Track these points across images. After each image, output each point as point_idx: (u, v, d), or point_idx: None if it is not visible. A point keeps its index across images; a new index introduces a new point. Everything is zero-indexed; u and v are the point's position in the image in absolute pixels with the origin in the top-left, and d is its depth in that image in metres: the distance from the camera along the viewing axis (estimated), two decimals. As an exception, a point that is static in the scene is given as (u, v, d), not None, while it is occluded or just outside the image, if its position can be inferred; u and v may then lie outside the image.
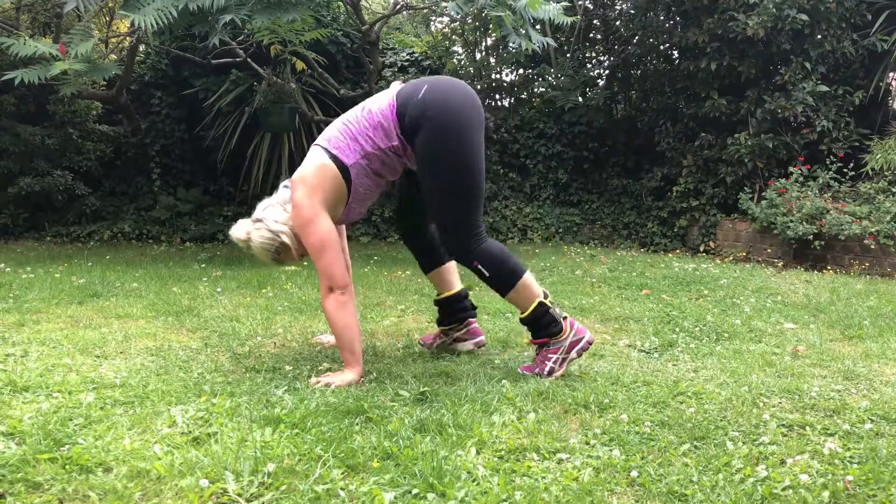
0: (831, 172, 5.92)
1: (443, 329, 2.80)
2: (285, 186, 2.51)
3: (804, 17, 5.88)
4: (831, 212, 5.57)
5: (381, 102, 2.44)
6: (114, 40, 7.07)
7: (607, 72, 8.13)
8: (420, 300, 3.80)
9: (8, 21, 6.38)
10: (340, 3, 7.25)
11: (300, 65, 6.49)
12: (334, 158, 2.39)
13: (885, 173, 5.70)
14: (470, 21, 7.81)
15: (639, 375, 2.48)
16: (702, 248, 6.62)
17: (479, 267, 2.42)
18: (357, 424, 1.92)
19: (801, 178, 5.92)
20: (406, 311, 3.56)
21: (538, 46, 4.98)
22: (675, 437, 1.90)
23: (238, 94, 6.92)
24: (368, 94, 6.45)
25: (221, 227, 6.89)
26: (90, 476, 1.57)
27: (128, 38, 6.41)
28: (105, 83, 6.82)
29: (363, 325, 3.12)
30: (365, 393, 2.20)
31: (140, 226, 7.02)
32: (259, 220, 2.46)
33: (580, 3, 7.70)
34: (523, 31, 5.01)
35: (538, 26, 6.09)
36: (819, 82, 6.01)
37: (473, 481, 1.62)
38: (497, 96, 8.31)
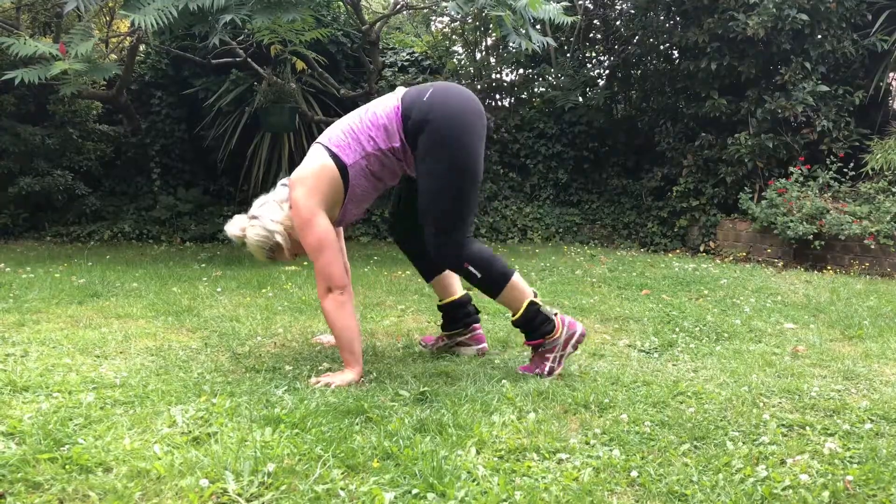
0: (831, 172, 5.92)
1: (447, 334, 2.80)
2: (283, 185, 2.51)
3: (804, 17, 5.88)
4: (831, 212, 5.57)
5: (385, 104, 2.45)
6: (114, 40, 7.07)
7: (607, 72, 8.13)
8: (420, 300, 3.80)
9: (8, 21, 6.38)
10: (340, 3, 7.25)
11: (300, 65, 6.49)
12: (334, 157, 2.39)
13: (885, 173, 5.70)
14: (470, 21, 7.81)
15: (639, 375, 2.48)
16: (702, 248, 6.62)
17: (470, 269, 2.41)
18: (357, 424, 1.92)
19: (801, 178, 5.92)
20: (406, 311, 3.56)
21: (538, 46, 4.98)
22: (675, 437, 1.90)
23: (238, 93, 6.92)
24: (368, 94, 6.49)
25: (221, 227, 6.81)
26: (90, 476, 1.57)
27: (128, 37, 6.41)
28: (105, 83, 6.82)
29: (363, 325, 3.12)
30: (365, 393, 2.20)
31: (140, 226, 7.03)
32: (255, 218, 2.47)
33: (580, 3, 7.70)
34: (523, 31, 5.01)
35: (538, 26, 6.09)
36: (819, 82, 6.01)
37: (473, 481, 1.62)
38: (497, 96, 8.31)
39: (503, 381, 2.35)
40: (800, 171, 5.94)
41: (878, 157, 5.76)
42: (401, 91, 2.49)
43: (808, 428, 2.00)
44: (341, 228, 2.65)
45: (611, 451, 1.80)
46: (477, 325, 2.79)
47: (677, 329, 3.24)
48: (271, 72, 6.51)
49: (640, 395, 2.24)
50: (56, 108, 6.87)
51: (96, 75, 4.96)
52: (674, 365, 2.69)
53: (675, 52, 7.28)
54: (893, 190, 5.61)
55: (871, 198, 5.67)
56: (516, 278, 2.45)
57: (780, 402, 2.24)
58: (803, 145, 6.16)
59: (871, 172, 5.83)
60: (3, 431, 1.78)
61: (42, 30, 7.28)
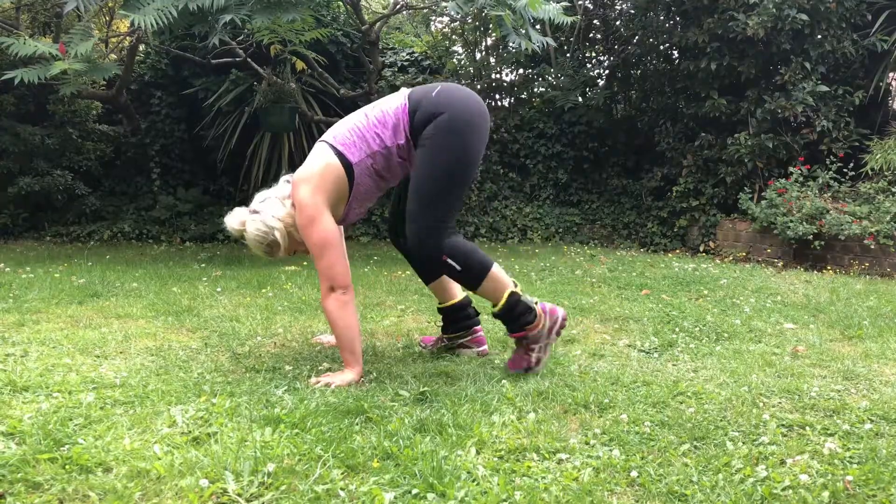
0: (831, 172, 5.92)
1: (447, 336, 2.79)
2: (286, 181, 2.50)
3: (804, 17, 5.88)
4: (831, 212, 5.57)
5: (392, 103, 2.46)
6: (114, 40, 7.07)
7: (607, 72, 8.13)
8: (420, 300, 3.80)
9: (8, 21, 6.38)
10: (340, 3, 7.25)
11: (300, 64, 6.49)
12: (339, 155, 2.39)
13: (885, 173, 5.70)
14: (470, 21, 7.81)
15: (639, 375, 2.48)
16: (702, 248, 6.63)
17: (449, 261, 2.39)
18: (357, 424, 1.92)
19: (801, 178, 5.92)
20: (406, 311, 3.56)
21: (538, 46, 4.98)
22: (674, 437, 1.90)
23: (238, 93, 6.92)
24: (368, 94, 6.49)
25: (221, 227, 6.81)
26: (90, 476, 1.57)
27: (128, 37, 6.41)
28: (105, 83, 6.83)
29: (363, 325, 3.12)
30: (365, 393, 2.20)
31: (140, 226, 7.03)
32: (256, 212, 2.46)
33: (580, 3, 7.70)
34: (523, 31, 5.01)
35: (538, 26, 6.10)
36: (819, 82, 6.01)
37: (473, 481, 1.62)
38: (497, 96, 8.31)
39: (503, 381, 2.35)
40: (799, 172, 5.94)
41: (877, 157, 5.76)
42: (406, 91, 2.50)
43: (807, 428, 2.00)
44: (342, 228, 2.65)
45: (611, 451, 1.80)
46: (478, 328, 2.79)
47: (677, 329, 3.24)
48: (271, 72, 6.51)
49: (640, 395, 2.24)
50: (56, 108, 6.87)
51: (96, 75, 4.96)
52: (674, 365, 2.69)
53: (675, 52, 7.28)
54: (893, 190, 5.61)
55: (871, 198, 5.67)
56: (496, 270, 2.44)
57: (779, 402, 2.24)
58: (803, 145, 6.16)
59: (870, 172, 5.83)
60: (3, 431, 1.78)
61: (42, 30, 7.28)
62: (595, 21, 8.07)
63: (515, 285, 2.47)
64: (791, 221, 5.60)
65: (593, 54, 8.39)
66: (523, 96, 8.27)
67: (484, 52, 8.34)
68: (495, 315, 2.49)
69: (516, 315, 2.45)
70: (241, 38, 6.30)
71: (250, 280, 4.34)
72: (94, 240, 6.77)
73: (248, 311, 3.43)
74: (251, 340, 2.88)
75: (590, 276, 4.79)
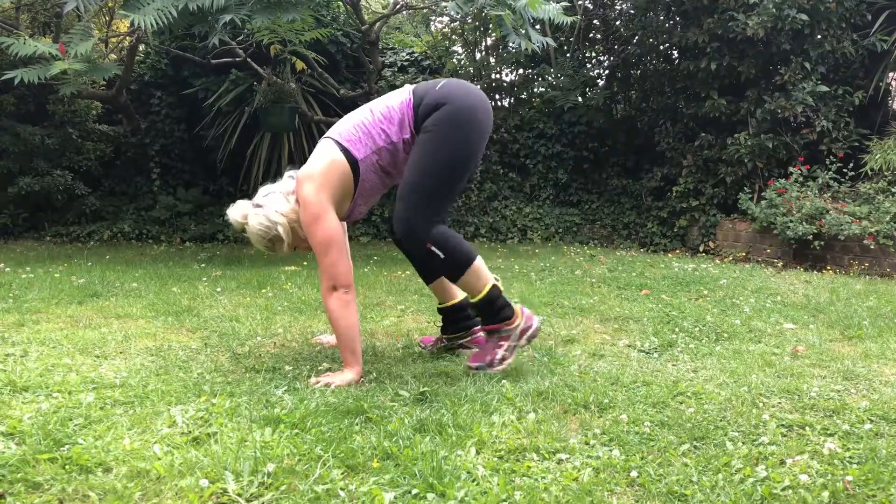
0: (831, 172, 5.92)
1: (447, 337, 2.79)
2: (290, 176, 2.49)
3: (804, 17, 5.89)
4: (831, 212, 5.57)
5: (397, 98, 2.46)
6: (114, 40, 7.07)
7: (607, 72, 8.13)
8: (420, 300, 3.80)
9: (8, 21, 6.38)
10: (340, 3, 7.25)
11: (300, 65, 6.49)
12: (345, 151, 2.39)
13: (885, 173, 5.70)
14: (470, 21, 7.81)
15: (638, 375, 2.48)
16: (701, 249, 6.63)
17: (433, 249, 2.37)
18: (357, 424, 1.92)
19: (800, 179, 5.92)
20: (406, 311, 3.56)
21: (538, 46, 4.98)
22: (674, 437, 1.91)
23: (238, 93, 6.92)
24: (368, 94, 6.49)
25: (221, 227, 6.90)
26: (90, 476, 1.57)
27: (128, 37, 6.41)
28: (105, 83, 6.83)
29: (363, 325, 3.12)
30: (365, 393, 2.20)
31: (140, 226, 7.03)
32: (259, 206, 2.44)
33: (580, 3, 7.70)
34: (523, 31, 5.01)
35: (538, 26, 6.10)
36: (819, 82, 6.01)
37: (473, 481, 1.62)
38: (497, 96, 8.31)
39: (503, 381, 2.35)
40: (799, 172, 5.94)
41: (877, 157, 5.76)
42: (410, 86, 2.50)
43: (807, 428, 2.00)
44: (345, 226, 2.65)
45: (610, 451, 1.80)
46: (477, 328, 2.79)
47: (677, 329, 3.24)
48: (271, 72, 6.51)
49: (640, 396, 2.24)
50: (56, 108, 6.87)
51: (96, 75, 4.96)
52: (673, 365, 2.69)
53: (675, 52, 7.28)
54: (893, 190, 5.61)
55: (871, 198, 5.68)
56: (479, 263, 2.43)
57: (779, 403, 2.24)
58: (803, 145, 6.16)
59: (870, 173, 5.83)
60: (3, 431, 1.78)
61: (42, 30, 7.28)
62: (595, 21, 8.07)
63: (497, 280, 2.48)
64: (791, 221, 5.60)
65: (593, 54, 8.39)
66: (523, 96, 8.28)
67: (484, 52, 8.35)
68: (475, 305, 2.48)
69: (496, 308, 2.45)
70: (241, 38, 6.31)
71: (250, 280, 4.34)
72: (94, 240, 6.77)
73: (247, 312, 3.43)
74: (251, 340, 2.88)
75: (590, 276, 4.79)
